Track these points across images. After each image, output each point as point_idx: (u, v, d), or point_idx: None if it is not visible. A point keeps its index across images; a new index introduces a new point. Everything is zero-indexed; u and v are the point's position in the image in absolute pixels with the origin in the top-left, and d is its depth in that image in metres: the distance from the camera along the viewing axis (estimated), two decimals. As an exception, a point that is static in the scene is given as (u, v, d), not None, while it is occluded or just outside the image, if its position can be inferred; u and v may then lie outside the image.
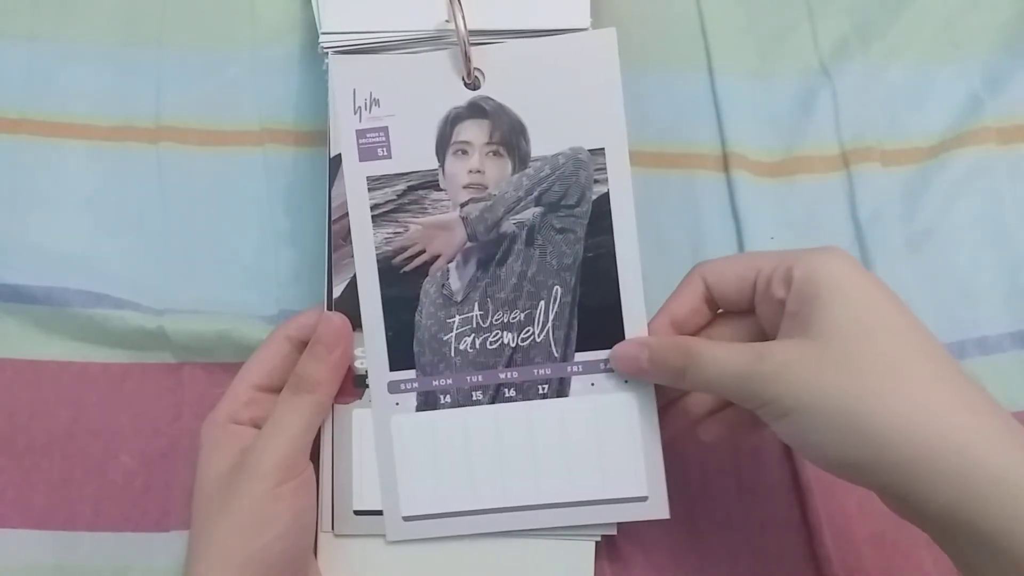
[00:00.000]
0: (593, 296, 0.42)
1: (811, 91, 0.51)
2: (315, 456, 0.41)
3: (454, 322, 0.42)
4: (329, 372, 0.40)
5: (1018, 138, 0.51)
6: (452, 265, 0.42)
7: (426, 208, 0.42)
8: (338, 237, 0.42)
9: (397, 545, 0.42)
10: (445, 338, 0.42)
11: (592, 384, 0.42)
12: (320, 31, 0.43)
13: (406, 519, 0.42)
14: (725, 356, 0.36)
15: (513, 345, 0.42)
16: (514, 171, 0.42)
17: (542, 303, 0.42)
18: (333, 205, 0.42)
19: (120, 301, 0.46)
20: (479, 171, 0.42)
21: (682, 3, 0.53)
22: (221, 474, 0.39)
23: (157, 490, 0.45)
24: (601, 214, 0.42)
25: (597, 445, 0.41)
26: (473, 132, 0.42)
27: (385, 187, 0.42)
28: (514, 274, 0.42)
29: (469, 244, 0.42)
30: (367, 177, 0.42)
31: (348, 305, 0.42)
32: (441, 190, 0.42)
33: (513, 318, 0.42)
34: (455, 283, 0.42)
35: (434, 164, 0.42)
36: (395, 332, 0.42)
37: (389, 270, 0.42)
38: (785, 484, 0.45)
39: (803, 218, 0.50)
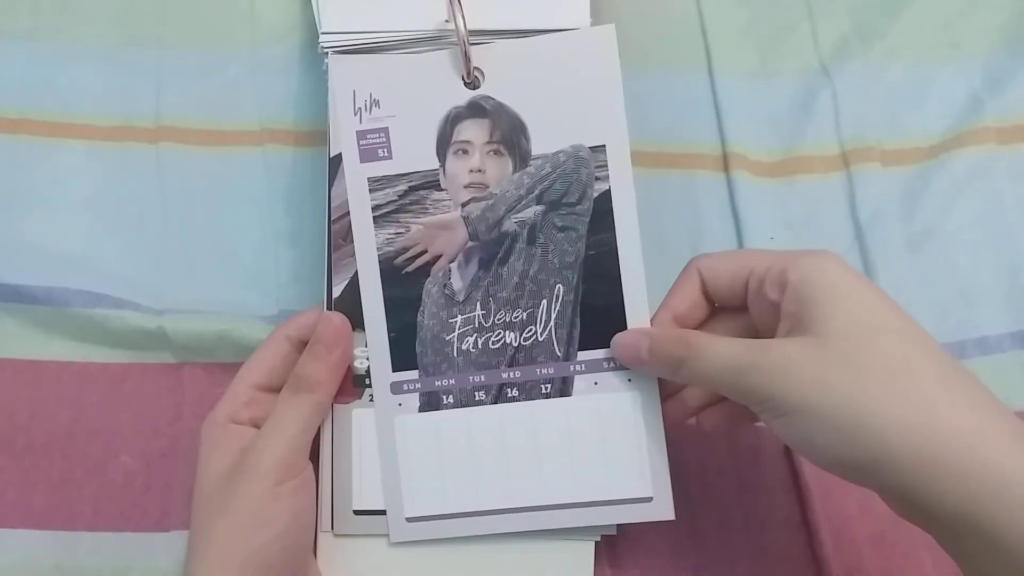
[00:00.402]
0: (596, 294, 0.42)
1: (811, 91, 0.51)
2: (315, 456, 0.41)
3: (456, 322, 0.42)
4: (329, 372, 0.40)
5: (1018, 138, 0.51)
6: (454, 265, 0.42)
7: (427, 208, 0.42)
8: (338, 237, 0.42)
9: (397, 545, 0.42)
10: (447, 338, 0.42)
11: (596, 383, 0.42)
12: (320, 31, 0.43)
13: (410, 520, 0.41)
14: (725, 350, 0.36)
15: (515, 344, 0.42)
16: (515, 170, 0.42)
17: (544, 302, 0.42)
18: (333, 205, 0.42)
19: (120, 301, 0.46)
20: (480, 170, 0.42)
21: (682, 3, 0.53)
22: (221, 474, 0.39)
23: (157, 490, 0.45)
24: (603, 211, 0.42)
25: (601, 445, 0.41)
26: (473, 131, 0.42)
27: (386, 188, 0.42)
28: (516, 273, 0.42)
29: (471, 243, 0.42)
30: (368, 178, 0.42)
31: (348, 305, 0.42)
32: (442, 190, 0.42)
33: (515, 317, 0.42)
34: (457, 283, 0.42)
35: (435, 164, 0.42)
36: (397, 333, 0.42)
37: (391, 271, 0.42)
38: (785, 484, 0.45)
39: (803, 218, 0.50)
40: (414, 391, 0.42)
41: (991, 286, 0.49)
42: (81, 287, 0.46)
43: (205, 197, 0.49)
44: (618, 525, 0.42)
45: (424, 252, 0.42)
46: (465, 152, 0.42)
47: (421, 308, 0.42)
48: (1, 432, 0.46)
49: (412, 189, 0.42)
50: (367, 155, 0.42)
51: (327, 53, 0.43)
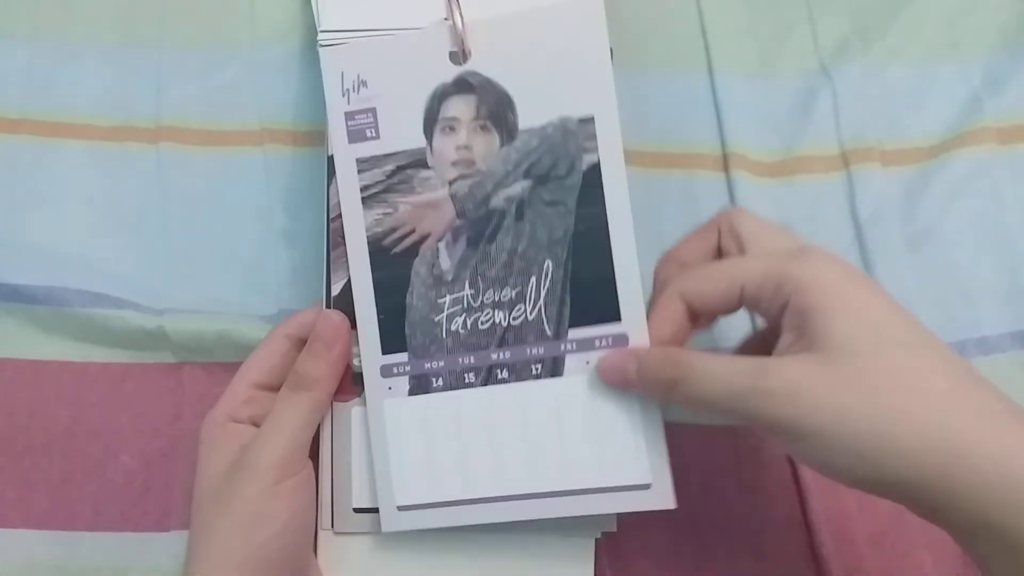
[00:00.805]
0: (586, 269, 0.40)
1: (811, 91, 0.51)
2: (314, 454, 0.41)
3: (445, 302, 0.41)
4: (328, 370, 0.40)
5: (1018, 138, 0.51)
6: (442, 244, 0.41)
7: (415, 188, 0.41)
8: (337, 236, 0.42)
9: (397, 542, 0.42)
10: (436, 319, 0.41)
11: (587, 363, 0.40)
12: (319, 30, 0.43)
13: (401, 508, 0.41)
14: (723, 371, 0.34)
15: (505, 324, 0.41)
16: (502, 145, 0.41)
17: (533, 279, 0.41)
18: (332, 204, 0.42)
19: (120, 301, 0.46)
20: (467, 147, 0.41)
21: (682, 3, 0.53)
22: (220, 472, 0.39)
23: (157, 490, 0.45)
24: (592, 184, 0.40)
25: (595, 428, 0.40)
26: (460, 108, 0.41)
27: (374, 168, 0.42)
28: (504, 250, 0.41)
29: (459, 222, 0.41)
30: (356, 159, 0.42)
31: (347, 303, 0.42)
32: (429, 168, 0.41)
33: (504, 296, 0.41)
34: (445, 262, 0.41)
35: (422, 143, 0.41)
36: (386, 315, 0.41)
37: (380, 252, 0.41)
38: (785, 484, 0.45)
39: (803, 218, 0.49)
40: (404, 374, 0.41)
41: (991, 286, 0.48)
42: (81, 287, 0.46)
43: (205, 197, 0.49)
44: (618, 521, 0.42)
45: (412, 232, 0.42)
46: (452, 129, 0.41)
47: (410, 289, 0.41)
48: (1, 432, 0.46)
49: (400, 169, 0.41)
50: (355, 136, 0.42)
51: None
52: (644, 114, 0.50)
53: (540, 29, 0.41)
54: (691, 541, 0.45)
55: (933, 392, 0.32)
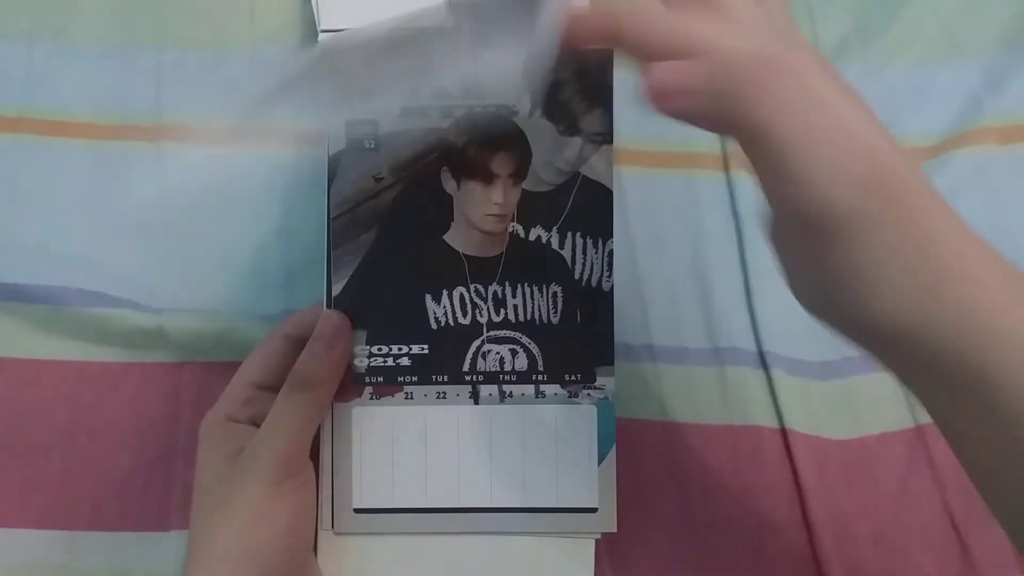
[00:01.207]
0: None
1: (811, 91, 0.51)
2: (315, 454, 0.41)
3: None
4: (328, 370, 0.40)
5: (1018, 138, 0.51)
6: None
7: None
8: (337, 235, 0.42)
9: (397, 543, 0.42)
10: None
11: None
12: (319, 29, 0.43)
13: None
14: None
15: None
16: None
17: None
18: (332, 203, 0.42)
19: (119, 300, 0.46)
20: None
21: (682, 3, 0.52)
22: (220, 472, 0.39)
23: (157, 490, 0.45)
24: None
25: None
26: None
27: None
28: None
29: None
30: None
31: (347, 303, 0.42)
32: None
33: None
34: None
35: None
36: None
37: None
38: (785, 484, 0.45)
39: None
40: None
41: (991, 286, 0.48)
42: (81, 286, 0.46)
43: (205, 197, 0.49)
44: (619, 523, 0.42)
45: None
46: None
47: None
48: (1, 432, 0.46)
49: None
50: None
51: (326, 52, 0.43)
52: (644, 114, 0.50)
53: None
54: (691, 541, 0.45)
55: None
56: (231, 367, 0.42)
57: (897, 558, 0.44)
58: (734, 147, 0.50)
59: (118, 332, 0.46)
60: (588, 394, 0.42)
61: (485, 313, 0.42)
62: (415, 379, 0.42)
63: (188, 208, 0.48)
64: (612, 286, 0.42)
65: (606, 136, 0.42)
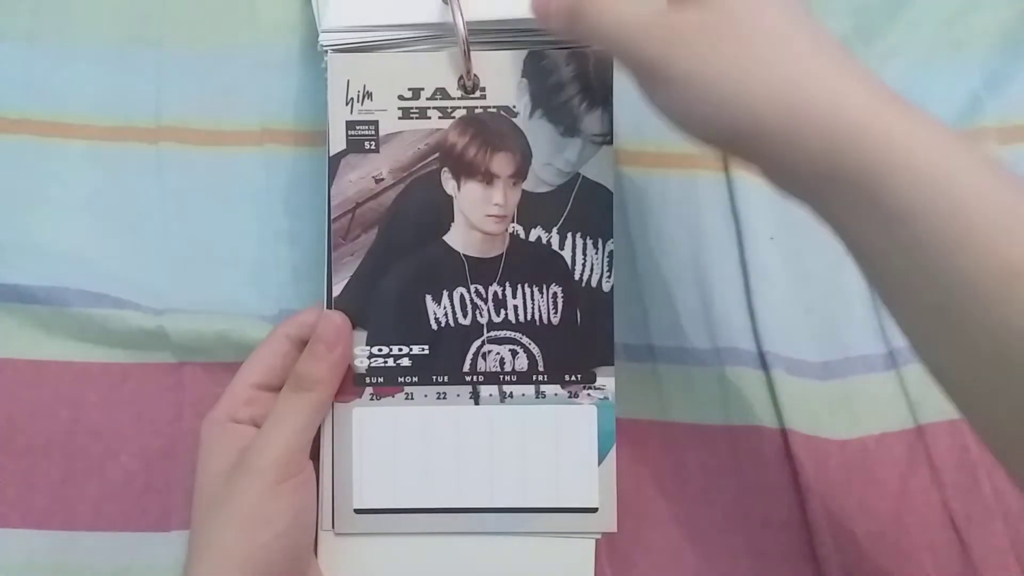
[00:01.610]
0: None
1: (811, 91, 0.51)
2: (315, 455, 0.41)
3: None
4: (329, 370, 0.40)
5: (1018, 138, 0.51)
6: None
7: None
8: (338, 236, 0.42)
9: (397, 544, 0.42)
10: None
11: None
12: (320, 29, 0.43)
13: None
14: (622, 6, 0.34)
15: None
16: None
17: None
18: (333, 204, 0.42)
19: (120, 301, 0.46)
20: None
21: (682, 3, 0.53)
22: (220, 473, 0.39)
23: (157, 490, 0.45)
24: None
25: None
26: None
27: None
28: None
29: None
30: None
31: (348, 303, 0.42)
32: None
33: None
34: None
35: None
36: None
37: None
38: (785, 484, 0.45)
39: (803, 218, 0.49)
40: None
41: (991, 286, 0.48)
42: (81, 287, 0.46)
43: (205, 197, 0.48)
44: (619, 522, 0.42)
45: None
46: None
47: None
48: (1, 432, 0.46)
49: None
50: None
51: (327, 51, 0.43)
52: (644, 114, 0.50)
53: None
54: (691, 541, 0.45)
55: (798, 46, 0.32)
56: (232, 368, 0.42)
57: (897, 558, 0.44)
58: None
59: (119, 333, 0.46)
60: (588, 394, 0.42)
61: (485, 314, 0.42)
62: (415, 379, 0.42)
63: (188, 208, 0.48)
64: (612, 286, 0.42)
65: (606, 137, 0.42)
